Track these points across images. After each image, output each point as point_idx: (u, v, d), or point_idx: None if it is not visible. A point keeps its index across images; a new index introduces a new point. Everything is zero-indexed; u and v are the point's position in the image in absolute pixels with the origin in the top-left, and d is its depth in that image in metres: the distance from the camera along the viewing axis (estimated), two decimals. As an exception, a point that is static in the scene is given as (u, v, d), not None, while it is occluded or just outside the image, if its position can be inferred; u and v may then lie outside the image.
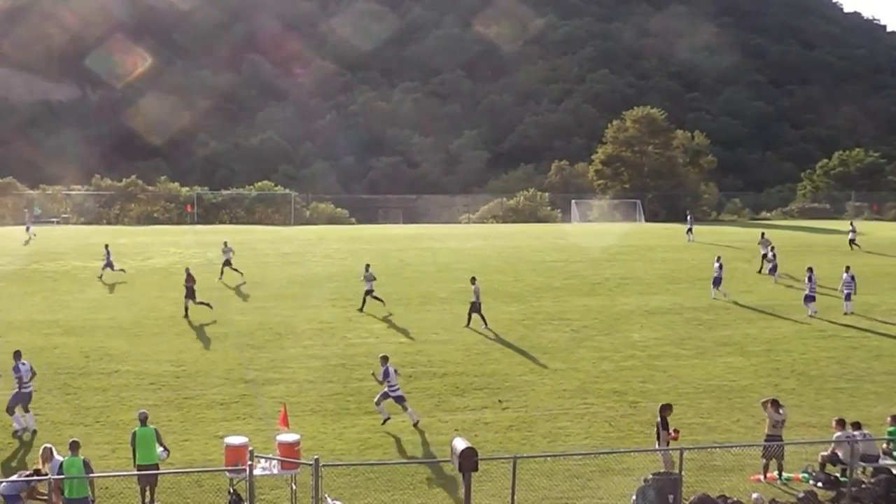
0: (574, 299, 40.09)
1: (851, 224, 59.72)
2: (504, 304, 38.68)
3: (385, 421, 23.84)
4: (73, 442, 17.71)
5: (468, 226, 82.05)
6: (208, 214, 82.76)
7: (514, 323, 35.57)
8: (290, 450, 18.31)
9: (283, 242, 57.38)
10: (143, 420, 19.09)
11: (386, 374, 23.72)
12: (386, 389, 23.81)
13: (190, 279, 36.21)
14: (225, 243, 44.98)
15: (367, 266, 38.16)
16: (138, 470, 18.61)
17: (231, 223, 78.69)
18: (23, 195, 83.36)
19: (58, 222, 75.60)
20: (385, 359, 24.16)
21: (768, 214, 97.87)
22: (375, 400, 24.01)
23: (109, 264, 43.32)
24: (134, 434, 18.86)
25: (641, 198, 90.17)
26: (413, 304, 38.73)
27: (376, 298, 37.04)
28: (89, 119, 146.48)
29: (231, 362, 29.50)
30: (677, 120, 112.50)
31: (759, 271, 46.36)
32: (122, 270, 43.77)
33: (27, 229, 58.69)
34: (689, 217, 62.87)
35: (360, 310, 36.75)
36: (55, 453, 17.92)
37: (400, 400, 23.86)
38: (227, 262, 43.37)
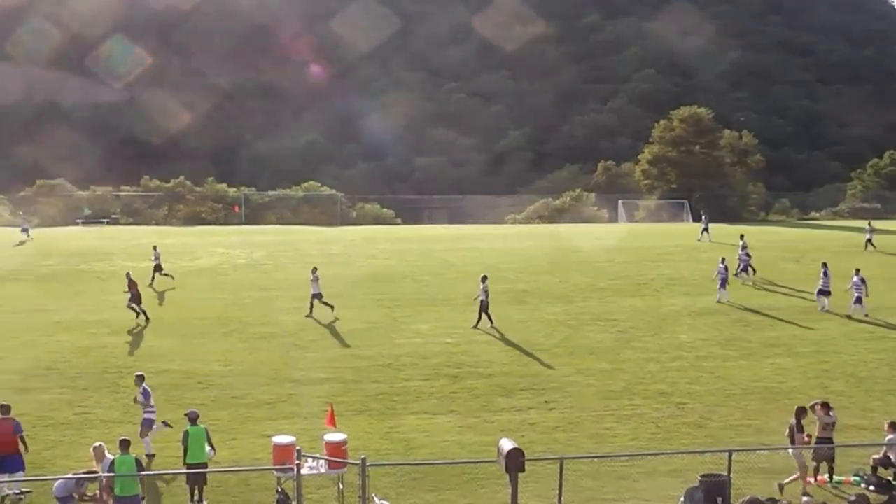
0: (620, 300, 39.94)
1: (869, 223, 57.39)
2: (549, 305, 38.67)
3: (149, 456, 21.35)
4: (124, 440, 17.80)
5: (513, 226, 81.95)
6: (255, 215, 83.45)
7: (560, 323, 35.49)
8: (337, 449, 18.34)
9: (330, 243, 57.72)
10: (194, 419, 19.28)
11: (145, 394, 21.82)
12: (144, 413, 21.88)
13: (132, 285, 35.48)
14: (154, 248, 44.13)
15: (314, 269, 37.53)
16: (188, 469, 18.82)
17: (278, 224, 79.31)
18: (72, 195, 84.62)
19: (107, 222, 76.67)
20: (141, 378, 22.14)
21: (817, 214, 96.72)
22: (139, 432, 21.67)
23: None
24: (186, 433, 19.04)
25: (688, 198, 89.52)
26: (458, 304, 38.68)
27: (324, 303, 36.42)
28: (130, 120, 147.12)
29: (277, 362, 29.69)
30: (724, 119, 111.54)
31: (736, 274, 45.32)
32: None
33: (22, 230, 58.17)
34: (703, 217, 61.78)
35: (309, 315, 36.15)
36: (107, 452, 18.12)
37: (148, 423, 21.80)
38: (158, 268, 42.58)
